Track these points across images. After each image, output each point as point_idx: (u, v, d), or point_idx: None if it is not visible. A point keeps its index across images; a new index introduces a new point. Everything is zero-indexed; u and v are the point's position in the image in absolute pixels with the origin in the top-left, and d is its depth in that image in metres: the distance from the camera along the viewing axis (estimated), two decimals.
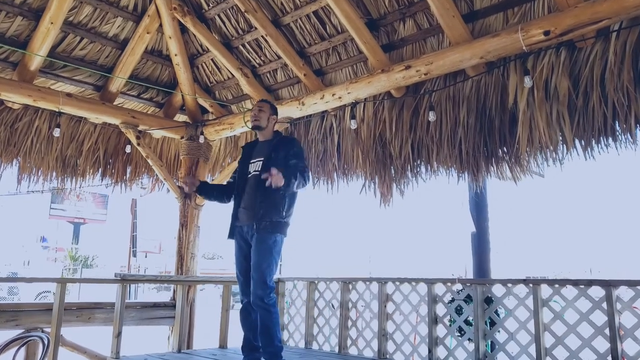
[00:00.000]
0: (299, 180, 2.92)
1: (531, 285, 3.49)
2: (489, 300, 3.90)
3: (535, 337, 3.38)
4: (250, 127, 3.24)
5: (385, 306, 4.21)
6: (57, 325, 3.72)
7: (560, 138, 3.40)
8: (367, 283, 4.38)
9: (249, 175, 3.11)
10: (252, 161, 3.14)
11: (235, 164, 3.99)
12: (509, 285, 3.63)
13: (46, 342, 3.27)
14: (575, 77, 3.31)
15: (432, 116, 3.68)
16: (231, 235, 3.14)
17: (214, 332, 4.48)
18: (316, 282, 4.65)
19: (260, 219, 2.93)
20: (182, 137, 5.39)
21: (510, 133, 3.66)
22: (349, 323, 4.37)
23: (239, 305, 3.22)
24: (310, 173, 3.09)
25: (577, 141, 3.36)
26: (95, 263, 21.91)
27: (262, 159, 3.07)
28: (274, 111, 3.31)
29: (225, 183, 3.41)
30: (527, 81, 3.22)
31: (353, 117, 4.15)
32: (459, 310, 3.97)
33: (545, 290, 3.46)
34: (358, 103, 4.17)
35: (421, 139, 4.10)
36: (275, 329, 2.96)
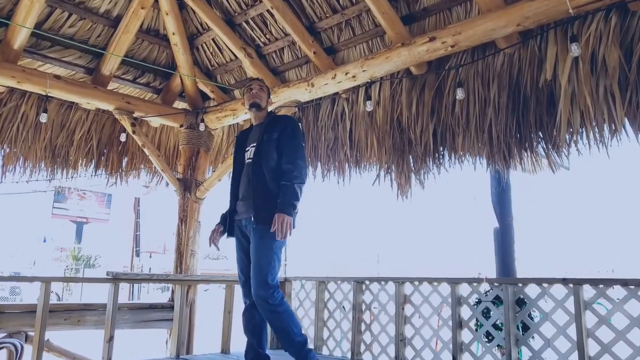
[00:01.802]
0: (299, 191, 2.62)
1: (571, 285, 3.10)
2: (521, 302, 3.54)
3: (577, 344, 2.98)
4: (247, 106, 2.87)
5: (402, 308, 3.86)
6: (42, 329, 3.37)
7: (607, 118, 2.98)
8: (383, 283, 4.05)
9: (245, 164, 2.83)
10: (247, 148, 2.85)
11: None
12: (545, 285, 3.24)
13: (19, 349, 2.88)
14: (627, 47, 2.87)
15: (460, 93, 3.26)
16: (231, 231, 2.83)
17: (217, 335, 4.13)
18: (326, 282, 4.27)
19: (259, 209, 2.62)
20: (181, 126, 5.00)
21: (547, 113, 3.24)
22: (363, 327, 4.01)
23: None
24: (306, 169, 2.75)
25: (627, 121, 2.93)
26: (97, 263, 21.65)
27: (254, 144, 2.79)
28: (269, 94, 3.03)
29: (230, 186, 2.99)
30: (575, 49, 2.79)
31: (369, 98, 3.73)
32: (486, 313, 3.59)
33: (587, 291, 3.09)
34: (374, 82, 3.75)
35: (445, 122, 3.68)
36: (289, 328, 2.64)
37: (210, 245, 2.92)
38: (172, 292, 4.77)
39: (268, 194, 2.63)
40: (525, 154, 3.43)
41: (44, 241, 22.56)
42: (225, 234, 2.89)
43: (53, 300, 16.46)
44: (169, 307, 4.62)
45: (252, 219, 2.64)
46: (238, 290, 4.47)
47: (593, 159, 3.22)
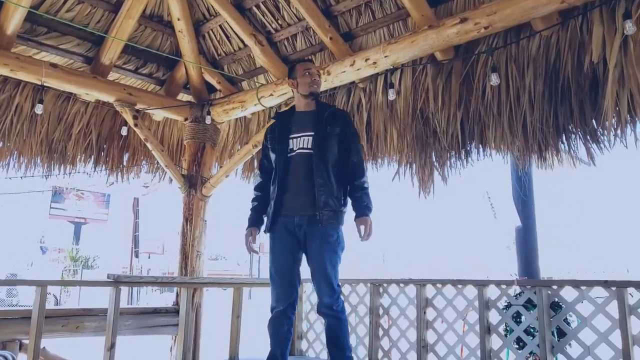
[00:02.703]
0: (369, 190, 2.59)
1: (614, 288, 2.85)
2: (556, 306, 3.30)
3: (623, 353, 2.74)
4: (304, 92, 2.65)
5: (424, 312, 3.63)
6: (37, 336, 3.13)
7: None
8: (402, 285, 3.80)
9: (293, 153, 2.58)
10: (293, 136, 2.60)
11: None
12: (583, 288, 3.00)
13: None
14: None
15: (495, 79, 2.99)
16: (272, 227, 2.57)
17: (223, 340, 3.88)
18: (340, 284, 4.02)
19: (322, 208, 2.44)
20: (185, 119, 4.72)
21: (589, 102, 2.98)
22: (380, 332, 3.76)
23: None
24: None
25: None
26: (96, 264, 21.34)
27: (310, 133, 2.56)
28: None
29: (260, 180, 2.78)
30: (629, 27, 2.51)
31: (391, 85, 3.45)
32: (517, 318, 3.37)
33: (633, 295, 2.84)
34: (397, 69, 3.47)
35: (474, 112, 3.41)
36: (345, 339, 2.55)
37: (250, 253, 2.71)
38: (177, 295, 4.49)
39: (332, 192, 2.48)
40: (563, 146, 3.17)
41: (43, 252, 22.19)
42: (260, 231, 2.68)
43: (51, 303, 16.16)
44: (174, 311, 4.35)
45: (317, 217, 2.44)
46: (246, 293, 4.26)
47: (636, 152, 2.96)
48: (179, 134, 5.14)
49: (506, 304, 3.56)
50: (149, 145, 4.45)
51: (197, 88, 4.72)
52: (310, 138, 2.54)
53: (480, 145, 3.45)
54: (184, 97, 4.92)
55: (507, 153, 3.33)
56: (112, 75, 4.46)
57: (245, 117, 5.02)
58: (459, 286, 3.54)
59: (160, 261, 25.33)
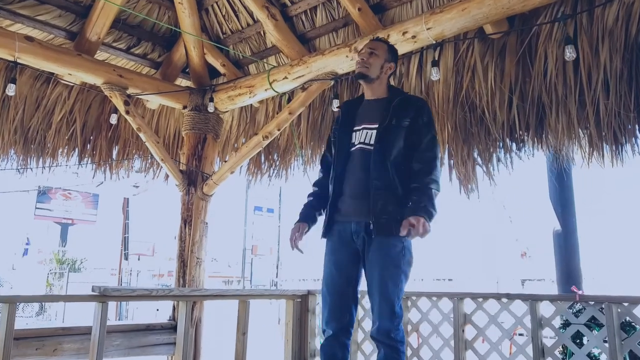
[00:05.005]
0: (435, 199, 2.09)
1: None
2: (628, 326, 2.82)
3: None
4: (354, 76, 2.32)
5: (463, 330, 3.17)
6: None
7: None
8: (434, 299, 3.34)
9: (353, 148, 2.23)
10: (356, 128, 2.26)
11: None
12: None
13: None
14: None
15: (570, 53, 2.44)
16: (327, 232, 2.23)
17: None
18: (359, 296, 3.51)
19: (379, 214, 2.07)
20: (184, 107, 4.13)
21: None
22: (409, 351, 3.27)
23: None
24: (441, 173, 2.22)
25: None
26: (83, 266, 20.56)
27: (374, 125, 2.21)
28: (393, 56, 2.38)
29: (321, 176, 2.42)
30: None
31: (435, 63, 2.90)
32: (577, 339, 2.92)
33: None
34: (443, 43, 2.91)
35: (533, 97, 2.87)
36: None
37: (293, 249, 2.28)
38: (174, 309, 3.91)
39: (394, 195, 2.10)
40: None
41: (25, 254, 21.34)
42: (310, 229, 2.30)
43: (34, 309, 15.40)
44: (170, 327, 3.78)
45: (372, 225, 2.07)
46: (253, 307, 3.71)
47: None
48: (177, 125, 4.55)
49: (563, 322, 3.09)
50: (142, 136, 3.85)
51: (198, 72, 4.13)
52: (373, 132, 2.19)
53: (539, 136, 2.91)
54: (182, 82, 4.34)
55: (573, 144, 2.80)
56: (100, 55, 3.87)
57: (251, 106, 4.45)
58: (504, 300, 3.09)
59: (150, 263, 24.66)
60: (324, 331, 2.21)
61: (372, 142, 2.17)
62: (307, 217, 2.32)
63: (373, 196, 2.09)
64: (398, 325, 2.11)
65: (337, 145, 2.28)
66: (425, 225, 1.98)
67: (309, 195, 2.38)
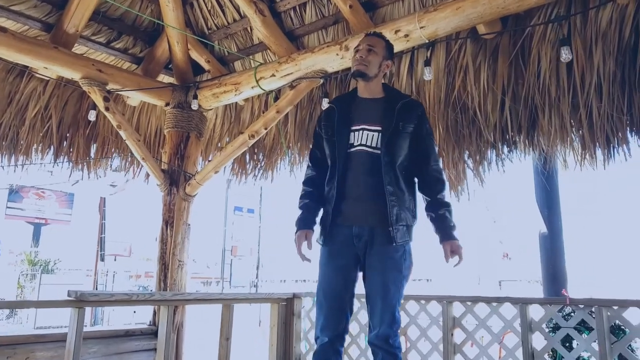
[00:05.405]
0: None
1: None
2: (617, 330, 2.82)
3: None
4: (352, 73, 2.21)
5: (452, 334, 3.15)
6: None
7: None
8: (423, 302, 3.32)
9: (353, 149, 2.14)
10: (355, 128, 2.16)
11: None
12: None
13: None
14: None
15: (565, 55, 2.41)
16: (328, 239, 2.14)
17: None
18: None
19: (396, 223, 2.04)
20: (167, 104, 3.99)
21: None
22: None
23: None
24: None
25: None
26: (57, 267, 19.96)
27: (376, 127, 2.13)
28: (390, 53, 2.30)
29: (314, 174, 2.30)
30: None
31: (428, 63, 2.84)
32: (567, 342, 2.88)
33: None
34: (435, 42, 2.86)
35: (526, 98, 2.84)
36: None
37: (303, 261, 2.17)
38: (154, 314, 3.76)
39: (404, 202, 2.08)
40: (635, 139, 2.64)
41: None
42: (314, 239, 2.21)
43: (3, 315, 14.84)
44: (150, 333, 3.64)
45: (391, 234, 2.02)
46: (239, 313, 3.60)
47: None
48: (158, 122, 4.40)
49: (553, 325, 3.08)
50: (122, 133, 3.69)
51: (181, 68, 3.99)
52: (377, 134, 2.11)
53: (531, 138, 2.89)
54: (165, 78, 4.19)
55: (565, 147, 2.78)
56: (79, 49, 3.70)
57: (236, 104, 4.33)
58: (494, 304, 3.08)
59: (127, 263, 24.14)
60: (317, 338, 2.14)
61: (376, 145, 2.10)
62: (309, 223, 2.21)
63: (389, 203, 2.04)
64: (397, 331, 2.07)
65: (335, 145, 2.18)
66: (461, 250, 2.08)
67: (304, 197, 2.28)
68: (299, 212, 2.24)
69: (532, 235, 4.54)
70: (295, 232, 2.20)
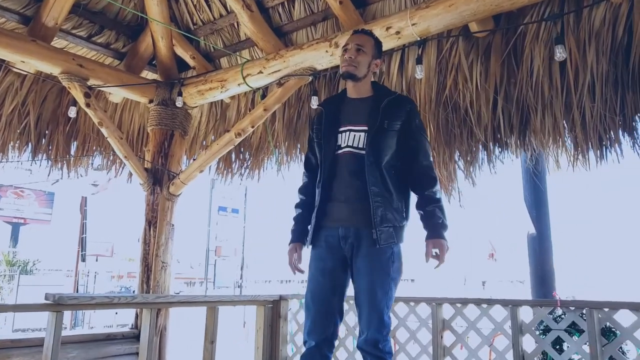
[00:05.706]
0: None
1: None
2: (609, 332, 2.81)
3: None
4: (341, 75, 2.16)
5: (441, 337, 3.12)
6: None
7: None
8: (412, 304, 3.27)
9: (340, 151, 2.10)
10: (342, 129, 2.12)
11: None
12: None
13: None
14: None
15: (560, 53, 2.38)
16: (315, 241, 2.09)
17: None
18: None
19: (380, 225, 1.98)
20: (150, 101, 3.87)
21: None
22: None
23: None
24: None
25: None
26: (36, 268, 19.51)
27: (361, 127, 2.08)
28: (380, 51, 2.25)
29: (307, 181, 2.27)
30: None
31: (419, 61, 2.79)
32: (557, 345, 2.87)
33: None
34: (427, 40, 2.81)
35: (518, 98, 2.81)
36: None
37: (294, 273, 2.16)
38: (137, 316, 3.65)
39: (390, 202, 2.01)
40: (627, 140, 2.63)
41: None
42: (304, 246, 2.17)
43: None
44: (132, 336, 3.55)
45: (375, 236, 1.96)
46: (222, 314, 3.51)
47: None
48: (142, 120, 4.28)
49: (543, 327, 3.06)
50: (104, 131, 3.57)
51: (165, 64, 3.88)
52: (362, 134, 2.06)
53: (523, 138, 2.86)
54: (148, 74, 4.08)
55: (557, 147, 2.76)
56: (58, 43, 3.57)
57: (222, 102, 4.23)
58: (484, 306, 3.05)
59: (108, 264, 23.74)
60: (305, 342, 2.08)
61: (361, 145, 2.05)
62: (301, 235, 2.19)
63: (373, 204, 1.98)
64: (386, 336, 2.00)
65: (323, 147, 2.14)
66: (446, 251, 2.00)
67: (297, 206, 2.24)
68: (292, 222, 2.21)
69: (520, 236, 4.55)
70: (289, 244, 2.19)
